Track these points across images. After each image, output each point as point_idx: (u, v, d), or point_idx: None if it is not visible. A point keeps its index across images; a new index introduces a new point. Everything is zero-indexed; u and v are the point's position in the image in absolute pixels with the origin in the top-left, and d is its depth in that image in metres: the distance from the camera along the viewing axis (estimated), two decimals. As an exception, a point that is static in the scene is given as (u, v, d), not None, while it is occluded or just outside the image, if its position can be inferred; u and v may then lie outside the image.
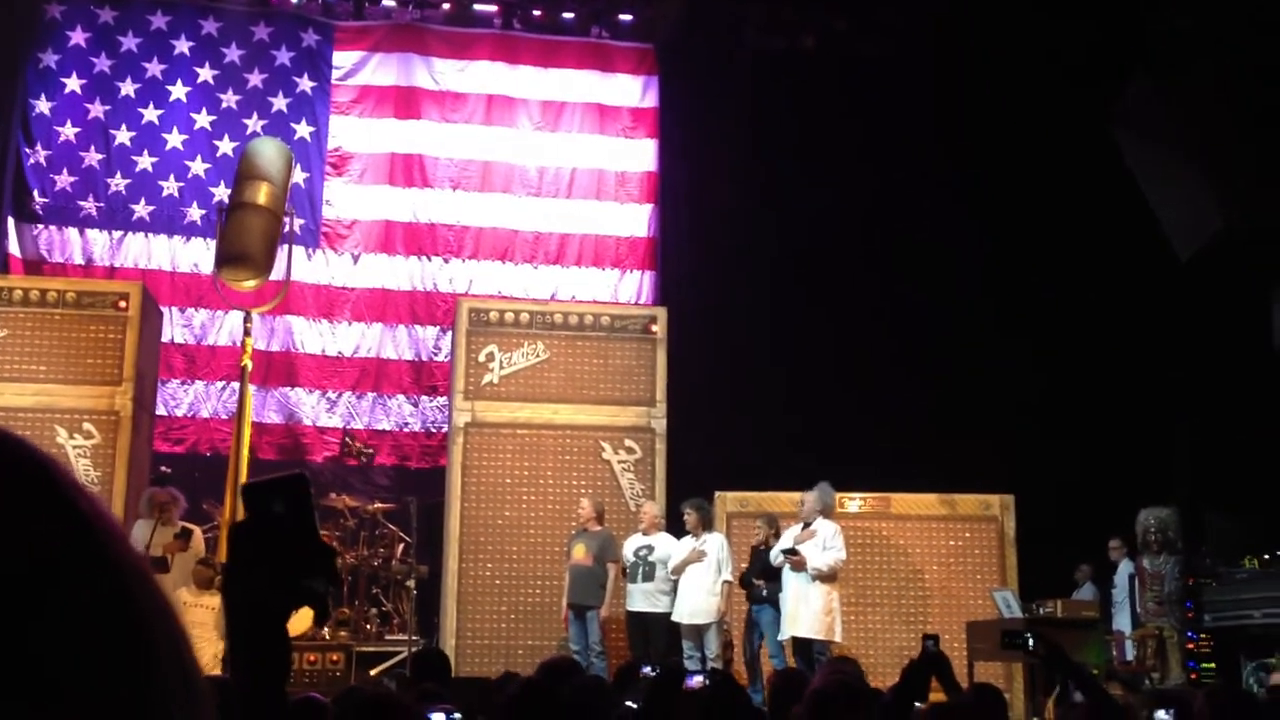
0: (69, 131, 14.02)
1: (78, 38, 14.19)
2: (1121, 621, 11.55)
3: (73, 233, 13.89)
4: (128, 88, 14.19)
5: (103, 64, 14.19)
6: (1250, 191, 9.83)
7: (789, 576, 10.00)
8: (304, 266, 13.86)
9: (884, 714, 4.16)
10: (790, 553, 9.96)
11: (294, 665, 10.39)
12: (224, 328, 13.76)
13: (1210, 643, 10.51)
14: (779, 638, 10.05)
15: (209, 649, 9.36)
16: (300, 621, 10.36)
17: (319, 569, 1.30)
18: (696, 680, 4.87)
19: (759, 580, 10.28)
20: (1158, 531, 10.70)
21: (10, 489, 0.62)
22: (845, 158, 14.21)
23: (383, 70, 14.80)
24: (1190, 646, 10.53)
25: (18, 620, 0.58)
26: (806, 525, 10.19)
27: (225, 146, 14.15)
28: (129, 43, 14.28)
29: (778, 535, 10.48)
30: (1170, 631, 10.60)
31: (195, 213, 14.06)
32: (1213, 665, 10.39)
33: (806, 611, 9.81)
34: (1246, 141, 10.09)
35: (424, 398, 14.21)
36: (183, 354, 13.76)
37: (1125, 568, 11.74)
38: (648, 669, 5.88)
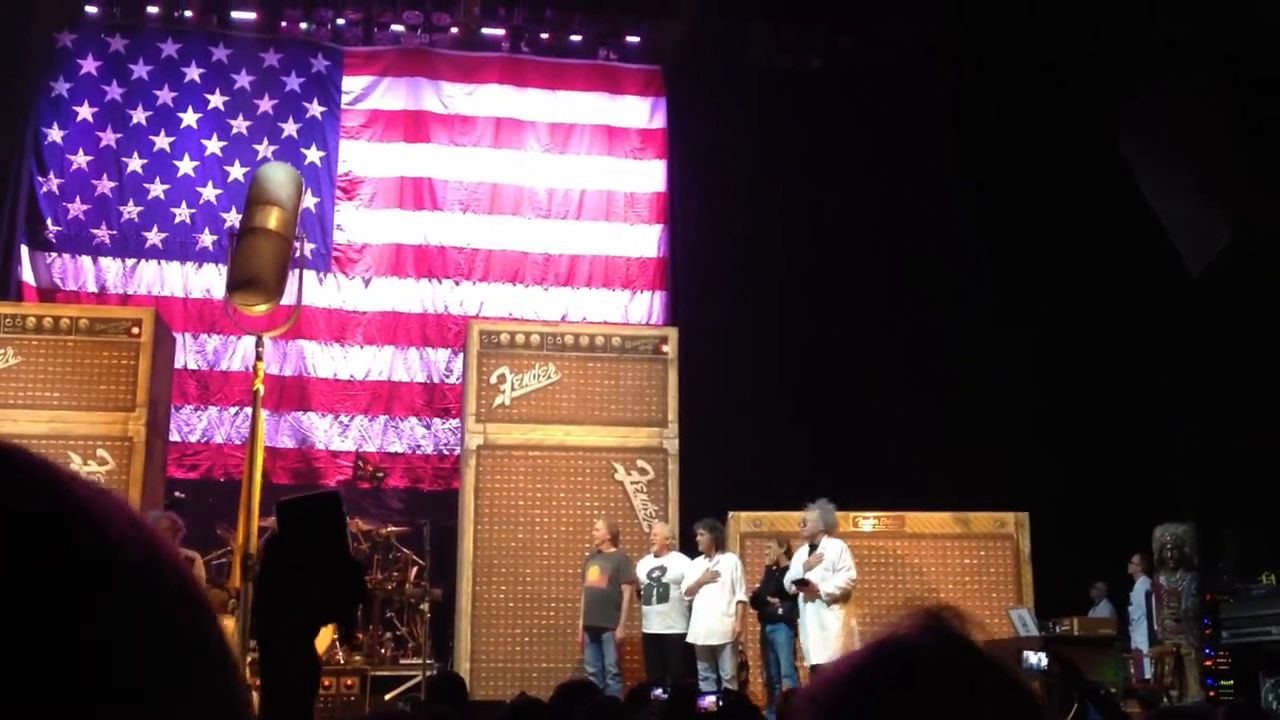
0: (81, 160, 14.10)
1: (89, 66, 14.29)
2: (1139, 639, 11.49)
3: (86, 261, 13.96)
4: (139, 115, 14.28)
5: (114, 92, 14.28)
6: (1250, 201, 9.82)
7: (805, 604, 9.95)
8: (315, 291, 13.90)
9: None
10: (801, 583, 9.91)
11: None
12: (236, 353, 13.79)
13: (1228, 660, 10.44)
14: (806, 663, 9.99)
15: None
16: (317, 644, 10.33)
17: (348, 586, 1.33)
18: (709, 700, 4.86)
19: (773, 599, 10.23)
20: (1174, 548, 10.65)
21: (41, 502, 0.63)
22: (853, 174, 14.23)
23: (392, 94, 14.87)
24: (1208, 664, 10.46)
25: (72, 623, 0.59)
26: (813, 548, 10.11)
27: (236, 172, 14.22)
28: (140, 70, 14.38)
29: (789, 555, 10.43)
30: (1188, 649, 10.54)
31: (207, 239, 14.12)
32: (1231, 682, 10.32)
33: (827, 636, 9.75)
34: (1245, 151, 10.09)
35: (436, 420, 14.22)
36: (196, 380, 13.79)
37: (1142, 585, 11.68)
38: (659, 691, 5.86)
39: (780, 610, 10.15)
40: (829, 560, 9.93)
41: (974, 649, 1.00)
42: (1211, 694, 10.19)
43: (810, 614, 9.86)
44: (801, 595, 9.93)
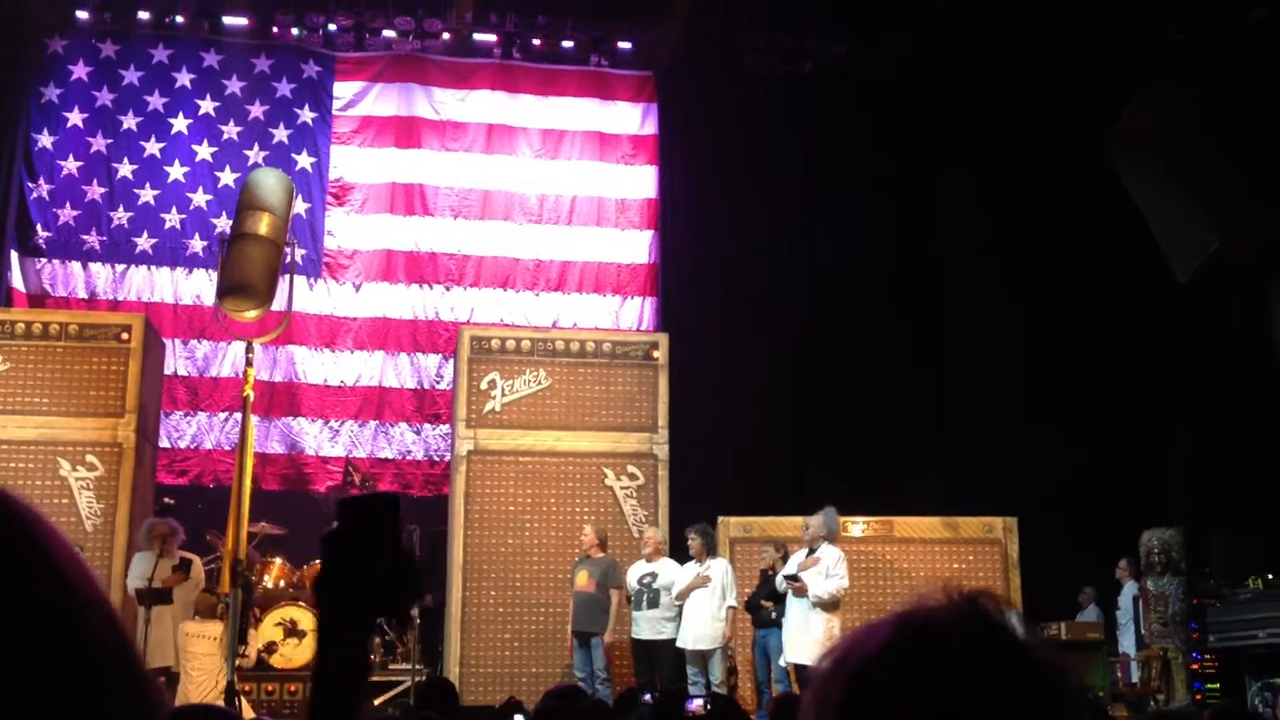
0: (71, 165, 14.10)
1: (79, 72, 14.29)
2: (1126, 643, 11.52)
3: (76, 266, 13.96)
4: (129, 121, 14.28)
5: (104, 97, 14.29)
6: (1245, 205, 9.85)
7: (792, 602, 9.97)
8: (306, 296, 13.91)
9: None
10: (792, 579, 9.94)
11: (299, 696, 10.40)
12: (226, 359, 13.80)
13: (1215, 663, 10.47)
14: (780, 662, 10.02)
15: (210, 680, 9.36)
16: (303, 652, 10.35)
17: (406, 582, 1.42)
18: (696, 704, 4.88)
19: (767, 603, 10.25)
20: (1161, 552, 10.68)
21: None
22: (845, 180, 14.27)
23: (383, 100, 14.89)
24: (1195, 667, 10.49)
25: None
26: (811, 551, 10.15)
27: (226, 178, 14.23)
28: (130, 76, 14.38)
29: (785, 559, 10.45)
30: (1175, 652, 10.57)
31: (197, 244, 14.13)
32: (1218, 686, 10.35)
33: (807, 639, 9.76)
34: (1234, 155, 10.13)
35: (426, 426, 14.23)
36: (185, 386, 13.79)
37: (1130, 589, 11.71)
38: (647, 696, 5.88)
39: (774, 614, 10.17)
40: (824, 565, 9.96)
41: (1001, 630, 0.97)
42: (1198, 697, 10.22)
43: (796, 612, 9.88)
44: (790, 592, 9.96)
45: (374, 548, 1.41)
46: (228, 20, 14.70)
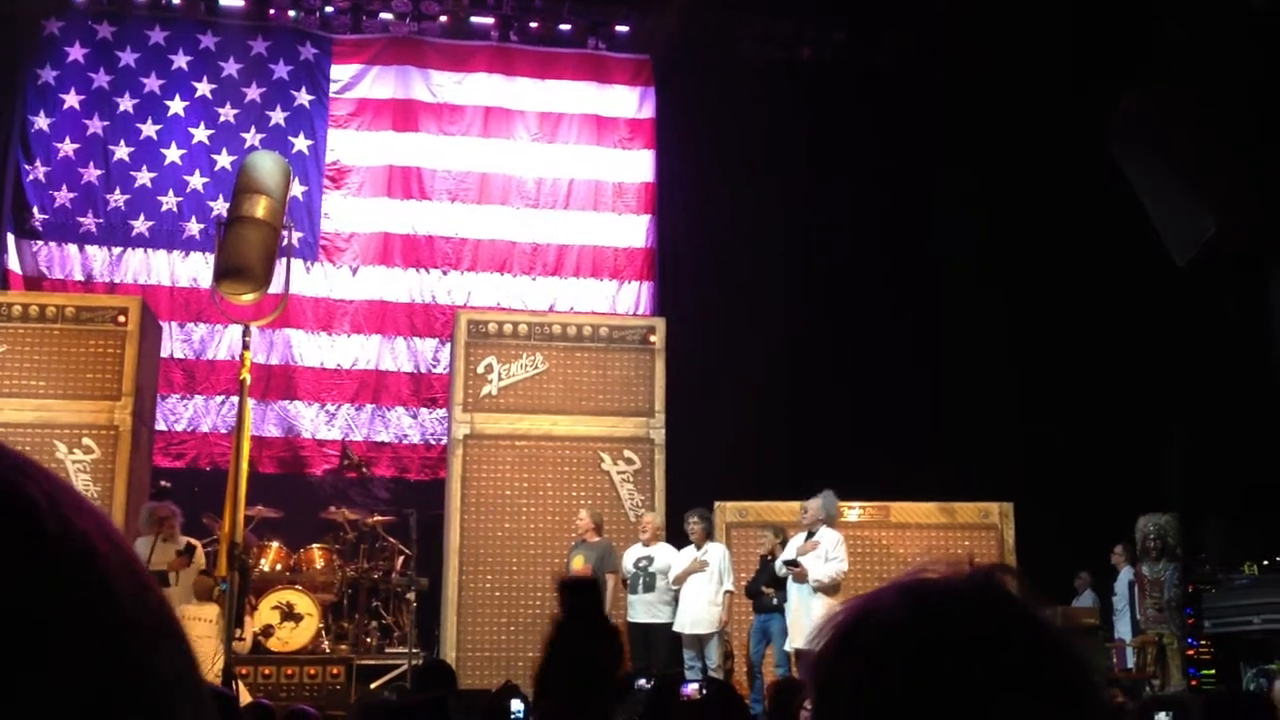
0: (68, 147, 14.06)
1: (76, 54, 14.25)
2: (1122, 629, 11.55)
3: (72, 249, 13.93)
4: (126, 103, 14.24)
5: (101, 79, 14.24)
6: (1244, 200, 9.85)
7: (792, 587, 10.00)
8: (302, 279, 13.88)
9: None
10: (792, 564, 9.96)
11: (295, 680, 10.42)
12: (223, 342, 13.78)
13: (1210, 649, 10.51)
14: (785, 647, 10.04)
15: (206, 662, 9.38)
16: (300, 635, 10.33)
17: (613, 652, 1.71)
18: (691, 688, 4.88)
19: (768, 589, 10.27)
20: (1157, 538, 10.70)
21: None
22: (843, 168, 14.25)
23: (380, 83, 14.85)
24: (1190, 653, 10.53)
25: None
26: (810, 535, 10.17)
27: (223, 160, 14.19)
28: (127, 58, 14.33)
29: (784, 545, 10.47)
30: (1170, 638, 10.60)
31: (194, 227, 14.10)
32: (1213, 671, 10.39)
33: (808, 623, 9.78)
34: (1240, 148, 10.12)
35: (423, 410, 14.23)
36: (182, 369, 13.78)
37: (1125, 575, 11.74)
38: (642, 681, 5.89)
39: (775, 600, 10.19)
40: (823, 549, 9.99)
41: (1010, 601, 0.95)
42: (1193, 683, 10.26)
43: (795, 598, 9.91)
44: (790, 577, 9.99)
45: (588, 631, 1.68)
46: (224, 2, 14.66)
